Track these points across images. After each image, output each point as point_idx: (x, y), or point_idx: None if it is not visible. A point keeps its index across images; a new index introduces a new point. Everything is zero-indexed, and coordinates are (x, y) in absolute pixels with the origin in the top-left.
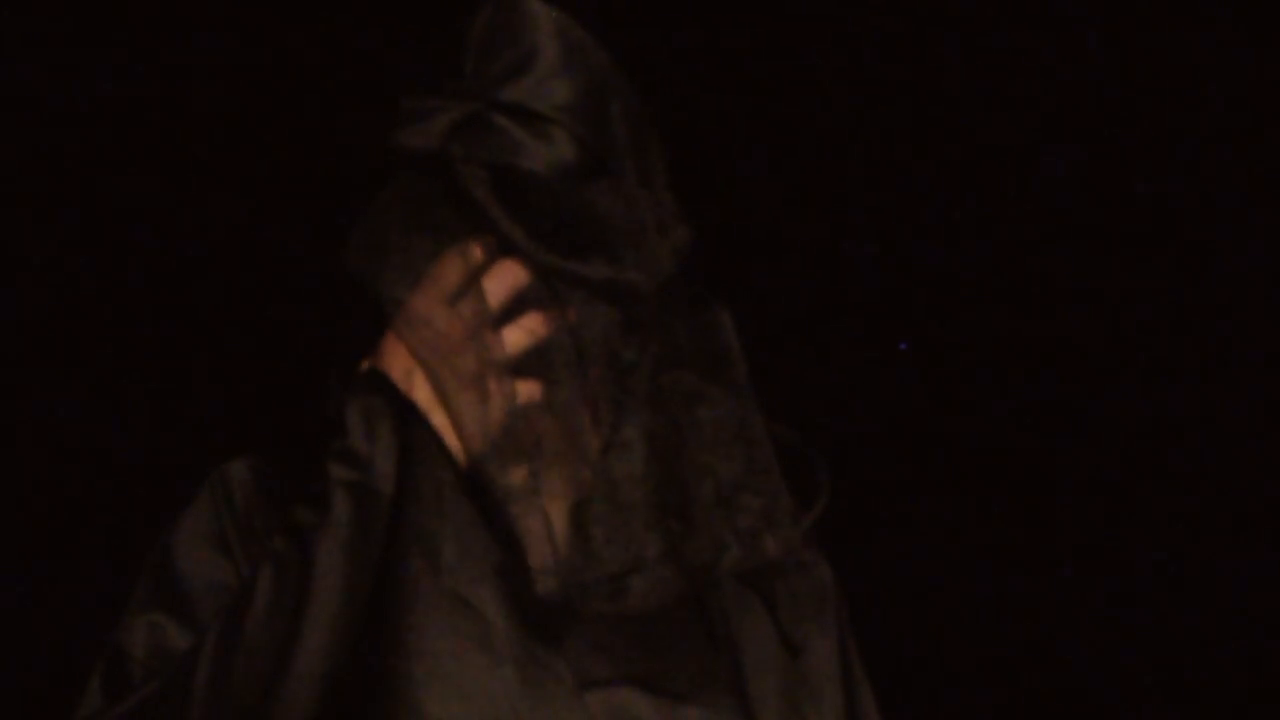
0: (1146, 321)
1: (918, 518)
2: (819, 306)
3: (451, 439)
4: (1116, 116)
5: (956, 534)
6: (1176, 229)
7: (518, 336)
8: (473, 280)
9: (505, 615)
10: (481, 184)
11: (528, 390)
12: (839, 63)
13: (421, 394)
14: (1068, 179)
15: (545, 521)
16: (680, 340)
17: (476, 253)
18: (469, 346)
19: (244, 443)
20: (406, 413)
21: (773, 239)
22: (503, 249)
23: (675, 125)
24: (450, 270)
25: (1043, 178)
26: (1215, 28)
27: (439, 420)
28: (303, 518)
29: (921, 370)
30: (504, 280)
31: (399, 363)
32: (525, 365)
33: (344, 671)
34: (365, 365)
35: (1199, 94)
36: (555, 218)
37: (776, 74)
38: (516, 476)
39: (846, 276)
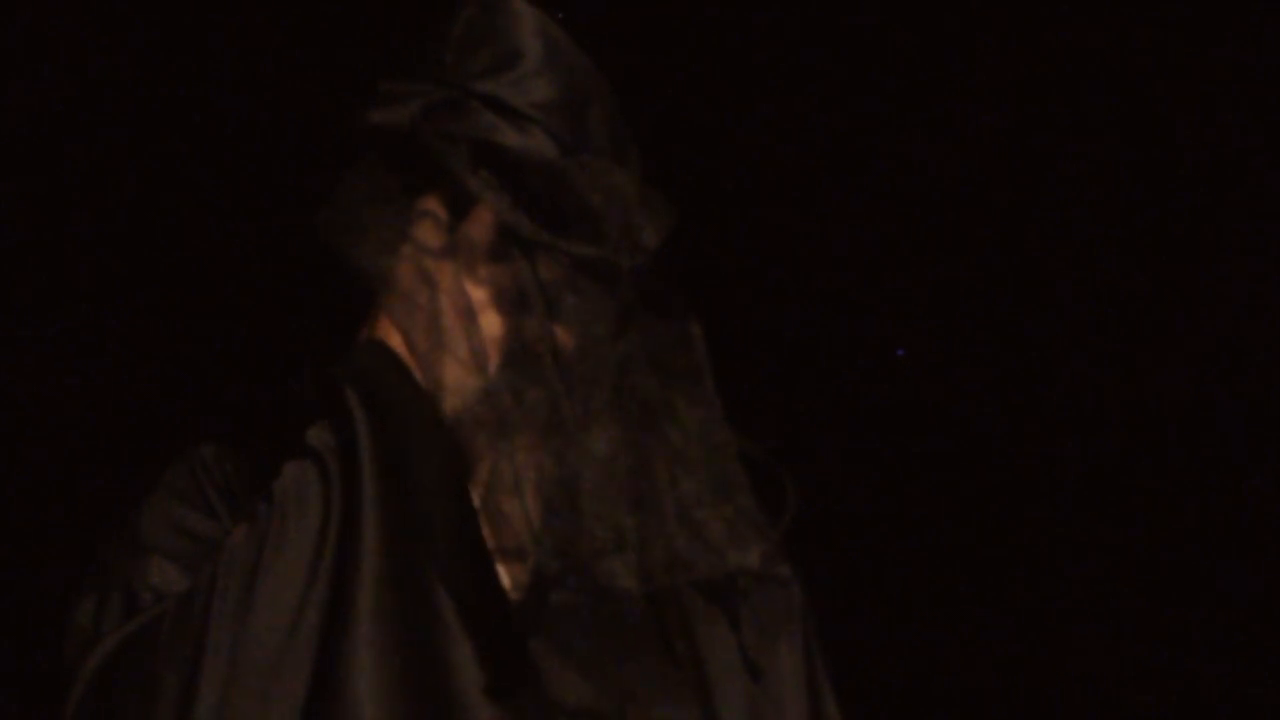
0: (1142, 327)
1: (891, 531)
2: (801, 315)
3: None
4: (1112, 117)
5: (930, 549)
6: (1175, 233)
7: (497, 307)
8: (449, 250)
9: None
10: (458, 157)
11: (507, 358)
12: (827, 66)
13: (418, 364)
14: (1067, 181)
15: (521, 495)
16: (654, 346)
17: (451, 224)
18: (450, 316)
19: (211, 430)
20: (403, 378)
21: (755, 246)
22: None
23: (659, 129)
24: (426, 241)
25: (1039, 178)
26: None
27: (427, 383)
28: (317, 439)
29: (899, 382)
30: (480, 250)
31: (393, 333)
32: (505, 335)
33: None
34: (363, 335)
35: (1196, 94)
36: (535, 193)
37: (760, 78)
38: (495, 444)
39: (830, 288)
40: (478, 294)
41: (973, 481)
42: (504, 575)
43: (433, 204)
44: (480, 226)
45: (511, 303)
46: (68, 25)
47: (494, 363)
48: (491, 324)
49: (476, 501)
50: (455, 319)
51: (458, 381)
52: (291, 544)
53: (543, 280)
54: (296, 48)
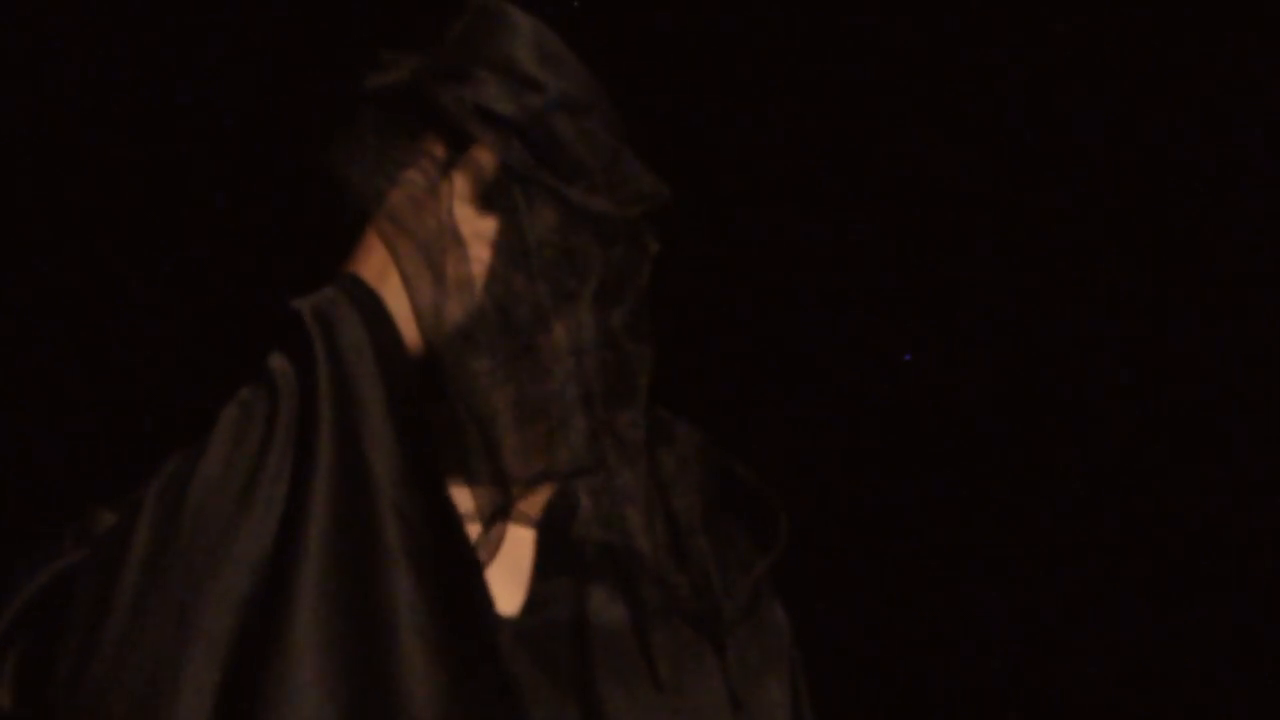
0: (1143, 327)
1: (890, 534)
2: (800, 316)
3: (413, 333)
4: (1113, 118)
5: (930, 552)
6: (1177, 233)
7: (487, 241)
8: (446, 180)
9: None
10: (459, 106)
11: (493, 287)
12: (827, 66)
13: (393, 293)
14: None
15: (495, 420)
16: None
17: (451, 160)
18: (439, 240)
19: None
20: (371, 305)
21: (753, 247)
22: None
23: (657, 131)
24: (424, 169)
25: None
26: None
27: (405, 312)
28: (277, 365)
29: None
30: (477, 184)
31: (375, 258)
32: (494, 269)
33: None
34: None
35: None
36: (535, 146)
37: (758, 80)
38: (476, 368)
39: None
40: (469, 225)
41: (973, 484)
42: (465, 502)
43: (433, 144)
44: (479, 160)
45: (503, 239)
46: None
47: (478, 292)
48: (480, 256)
49: (446, 428)
50: (444, 243)
51: (438, 305)
52: (222, 470)
53: (538, 223)
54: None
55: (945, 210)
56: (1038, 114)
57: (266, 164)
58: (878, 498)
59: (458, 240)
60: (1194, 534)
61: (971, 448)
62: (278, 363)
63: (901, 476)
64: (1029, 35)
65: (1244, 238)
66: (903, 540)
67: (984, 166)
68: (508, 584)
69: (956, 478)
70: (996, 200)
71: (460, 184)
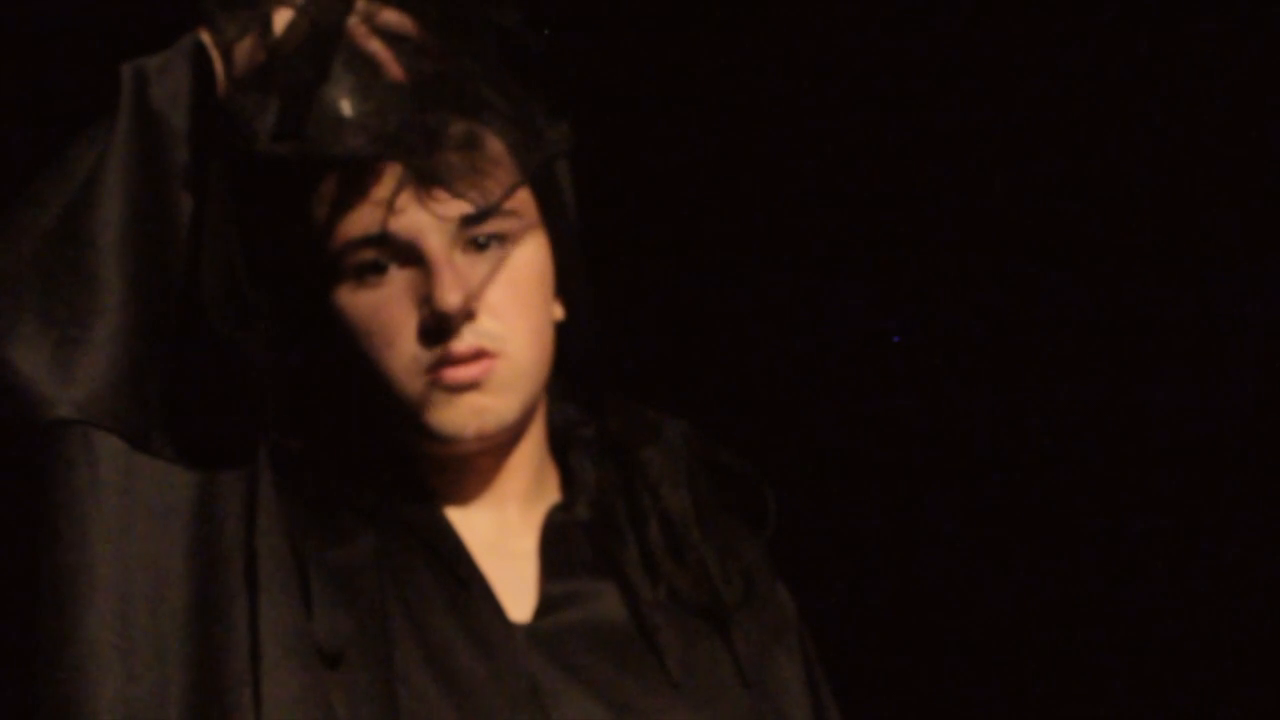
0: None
1: (879, 534)
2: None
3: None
4: (1103, 108)
5: (924, 552)
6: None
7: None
8: None
9: None
10: None
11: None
12: (810, 54)
13: None
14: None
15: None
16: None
17: None
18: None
19: None
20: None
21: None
22: None
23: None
24: None
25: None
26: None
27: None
28: (101, 126)
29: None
30: None
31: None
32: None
33: None
34: None
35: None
36: None
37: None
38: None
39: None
40: None
41: (968, 485)
42: None
43: None
44: None
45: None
46: None
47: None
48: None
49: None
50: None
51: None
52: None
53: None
54: None
55: (944, 210)
56: (1038, 112)
57: None
58: (876, 488)
59: None
60: (1196, 534)
61: (970, 444)
62: (101, 127)
63: (899, 468)
64: (1027, 32)
65: (1245, 237)
66: (902, 529)
67: (984, 166)
68: (517, 592)
69: (954, 469)
70: (997, 201)
71: None
